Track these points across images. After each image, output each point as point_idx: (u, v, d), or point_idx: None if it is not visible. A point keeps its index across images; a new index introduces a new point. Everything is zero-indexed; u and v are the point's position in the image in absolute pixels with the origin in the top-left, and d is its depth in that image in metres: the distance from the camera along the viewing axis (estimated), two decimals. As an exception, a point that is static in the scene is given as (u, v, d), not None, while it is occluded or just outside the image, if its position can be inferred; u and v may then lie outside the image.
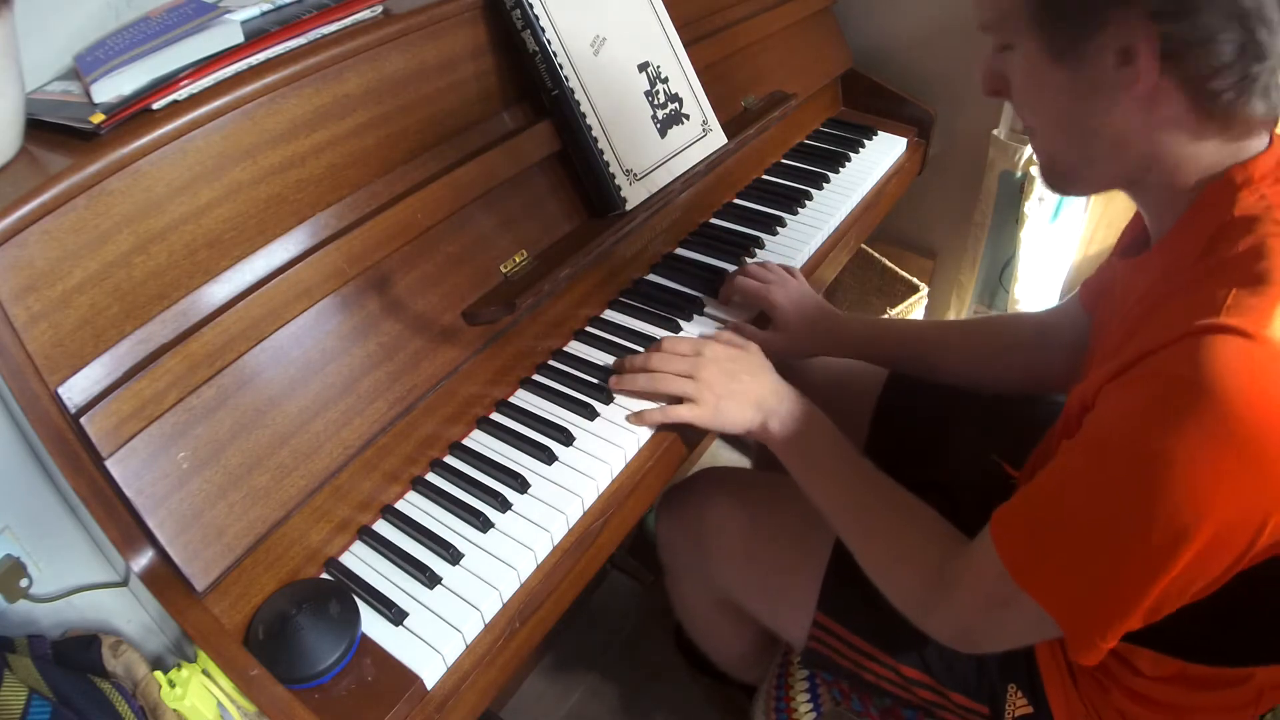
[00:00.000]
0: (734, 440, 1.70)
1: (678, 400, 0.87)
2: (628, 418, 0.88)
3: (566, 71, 0.95)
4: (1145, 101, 0.59)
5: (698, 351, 0.88)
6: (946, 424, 1.00)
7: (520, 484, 0.82)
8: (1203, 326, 0.53)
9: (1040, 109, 0.65)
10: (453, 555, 0.76)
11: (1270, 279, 0.54)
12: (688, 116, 1.09)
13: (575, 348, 0.99)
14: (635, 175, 1.01)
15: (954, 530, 0.73)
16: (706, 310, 1.04)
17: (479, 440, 0.88)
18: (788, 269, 1.07)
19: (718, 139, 1.11)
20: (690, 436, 0.91)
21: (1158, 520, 0.54)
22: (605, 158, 0.98)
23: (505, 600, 0.74)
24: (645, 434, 0.87)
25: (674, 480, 0.94)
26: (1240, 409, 0.51)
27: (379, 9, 0.85)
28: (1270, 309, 0.53)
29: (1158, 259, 0.65)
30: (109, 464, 0.63)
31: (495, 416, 0.90)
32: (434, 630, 0.70)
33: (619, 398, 0.90)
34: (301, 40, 0.78)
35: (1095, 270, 0.88)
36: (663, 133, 1.05)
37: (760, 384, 0.86)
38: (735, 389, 0.86)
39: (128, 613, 0.78)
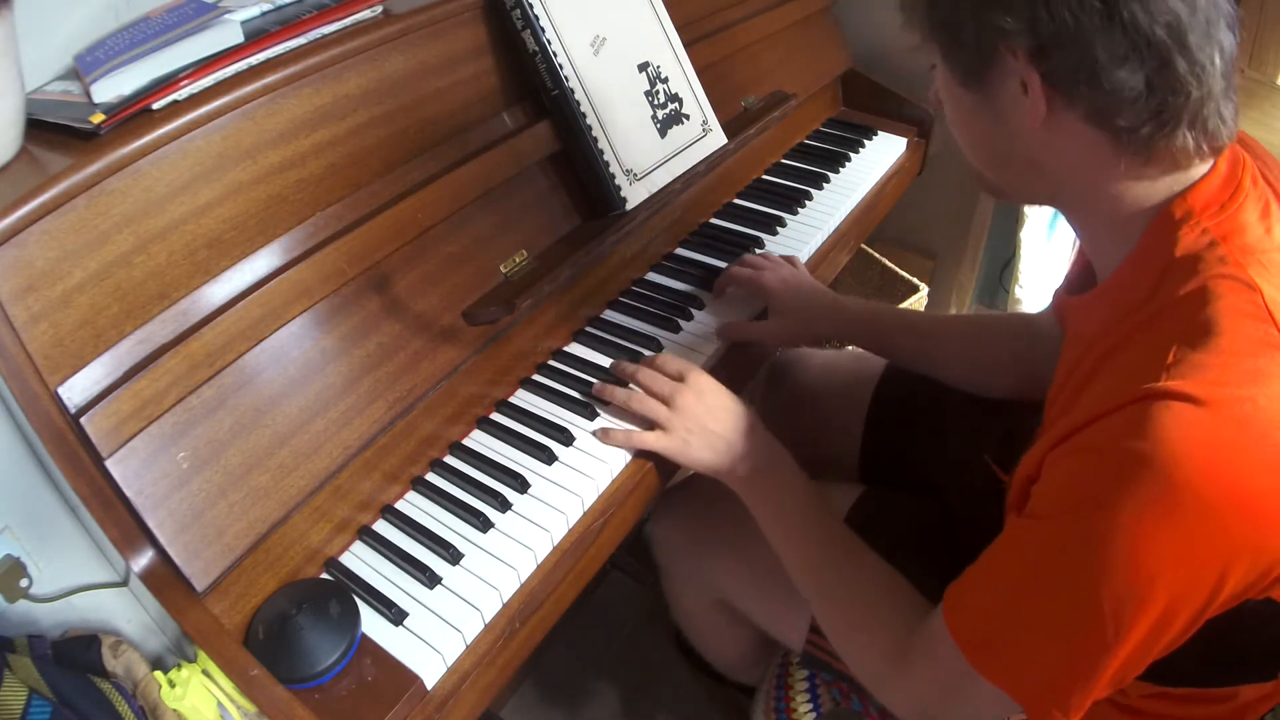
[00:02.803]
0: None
1: (652, 425, 0.85)
2: (594, 433, 0.86)
3: (566, 71, 0.95)
4: (1049, 133, 0.58)
5: (681, 376, 0.85)
6: (940, 424, 0.99)
7: (520, 484, 0.82)
8: (1147, 392, 0.51)
9: (958, 128, 0.65)
10: (453, 555, 0.76)
11: (1215, 329, 0.51)
12: (688, 116, 1.09)
13: (575, 348, 0.99)
14: (635, 175, 1.01)
15: (919, 601, 0.70)
16: (706, 310, 1.04)
17: (479, 440, 0.88)
18: (786, 258, 1.07)
19: (718, 139, 1.11)
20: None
21: (1108, 599, 0.52)
22: (605, 158, 0.98)
23: (505, 600, 0.74)
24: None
25: (673, 481, 0.94)
26: (1190, 480, 0.49)
27: (379, 9, 0.85)
28: (1217, 365, 0.50)
29: (1104, 302, 0.63)
30: (109, 464, 0.63)
31: (495, 416, 0.90)
32: (434, 630, 0.70)
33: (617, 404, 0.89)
34: (301, 40, 0.78)
35: (1063, 279, 0.85)
36: (663, 133, 1.05)
37: (737, 425, 0.82)
38: (708, 425, 0.82)
39: (128, 613, 0.78)
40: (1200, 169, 0.58)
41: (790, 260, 1.06)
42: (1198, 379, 0.50)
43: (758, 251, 1.14)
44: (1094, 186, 0.60)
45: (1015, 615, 0.58)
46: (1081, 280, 0.72)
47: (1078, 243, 0.75)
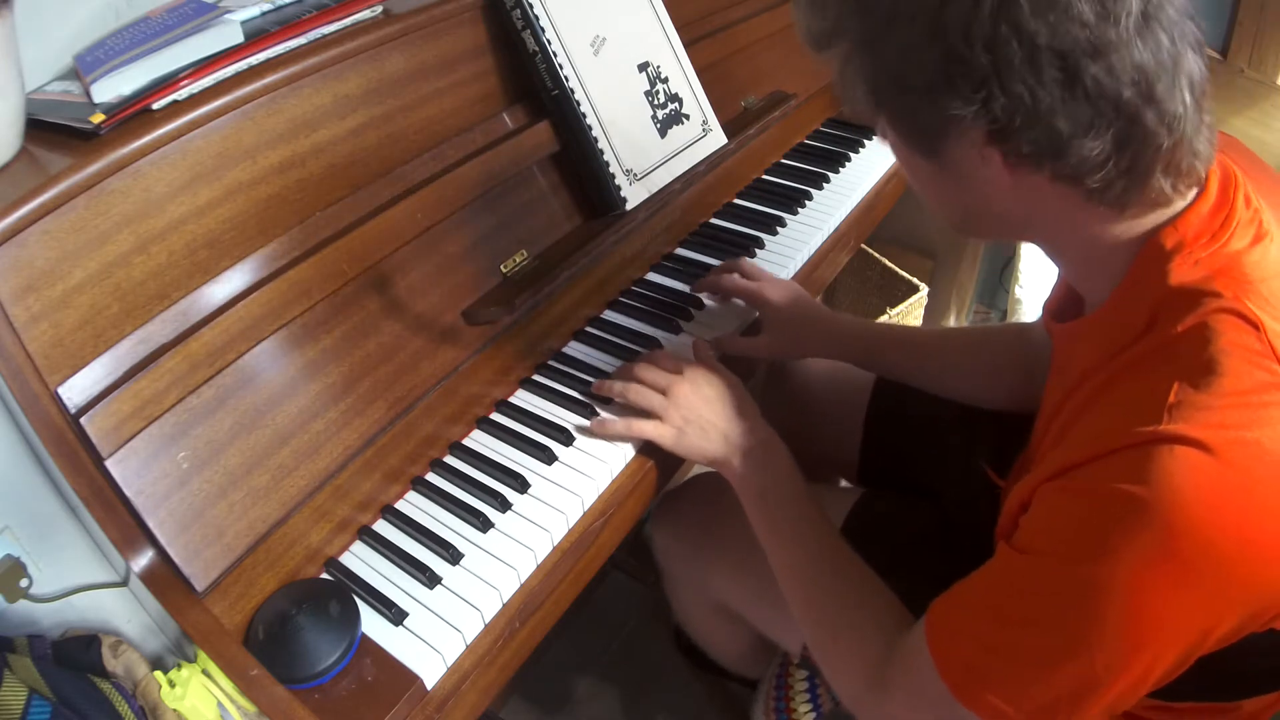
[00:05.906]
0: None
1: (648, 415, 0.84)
2: (591, 424, 0.85)
3: (566, 71, 0.95)
4: (1017, 192, 0.56)
5: (679, 369, 0.85)
6: (937, 426, 0.98)
7: (520, 484, 0.82)
8: (1149, 436, 0.49)
9: (917, 187, 0.63)
10: (453, 555, 0.76)
11: (1217, 368, 0.50)
12: (688, 116, 1.09)
13: (575, 348, 0.98)
14: (635, 175, 1.01)
15: (906, 620, 0.69)
16: (706, 310, 1.04)
17: (479, 440, 0.88)
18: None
19: (718, 139, 1.11)
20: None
21: (1101, 643, 0.52)
22: (605, 158, 0.98)
23: (505, 600, 0.74)
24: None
25: (671, 485, 0.93)
26: (1194, 527, 0.48)
27: (379, 9, 0.85)
28: (1221, 406, 0.49)
29: (1092, 334, 0.61)
30: (109, 464, 0.63)
31: (495, 416, 0.90)
32: (434, 630, 0.70)
33: (616, 402, 0.89)
34: (301, 40, 0.78)
35: (1052, 289, 0.84)
36: (663, 133, 1.05)
37: (734, 416, 0.81)
38: (705, 415, 0.81)
39: (128, 613, 0.78)
40: (1187, 197, 0.56)
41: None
42: (1201, 422, 0.49)
43: (759, 256, 1.14)
44: (1070, 230, 0.58)
45: (1001, 648, 0.57)
46: (1066, 307, 0.70)
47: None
